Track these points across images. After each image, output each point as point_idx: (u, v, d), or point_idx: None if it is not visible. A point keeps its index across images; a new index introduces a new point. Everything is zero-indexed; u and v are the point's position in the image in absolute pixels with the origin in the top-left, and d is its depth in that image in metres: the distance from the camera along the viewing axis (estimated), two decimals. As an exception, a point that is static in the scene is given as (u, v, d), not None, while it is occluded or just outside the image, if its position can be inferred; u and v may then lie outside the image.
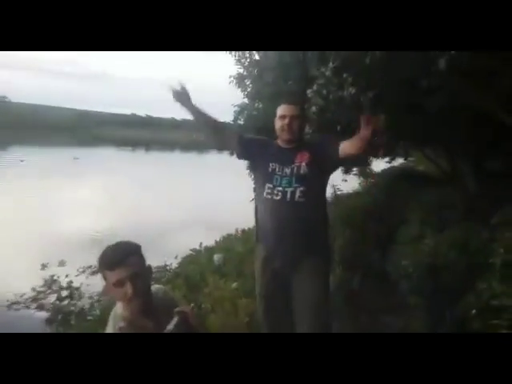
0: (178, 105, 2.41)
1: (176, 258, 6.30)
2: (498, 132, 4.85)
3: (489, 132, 5.03)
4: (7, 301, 4.92)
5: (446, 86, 3.66)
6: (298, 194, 2.33)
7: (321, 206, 2.51)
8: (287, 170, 2.38)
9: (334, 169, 2.55)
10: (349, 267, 3.48)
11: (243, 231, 7.15)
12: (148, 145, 52.18)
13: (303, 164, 2.36)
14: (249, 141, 2.55)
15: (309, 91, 4.28)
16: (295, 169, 2.37)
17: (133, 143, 50.70)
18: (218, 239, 6.90)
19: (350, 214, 5.03)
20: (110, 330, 1.61)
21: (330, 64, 3.92)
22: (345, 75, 3.87)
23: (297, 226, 2.34)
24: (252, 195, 6.48)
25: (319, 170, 2.39)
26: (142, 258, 1.64)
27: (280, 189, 2.36)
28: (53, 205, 11.85)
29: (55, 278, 5.23)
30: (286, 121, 2.38)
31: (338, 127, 4.39)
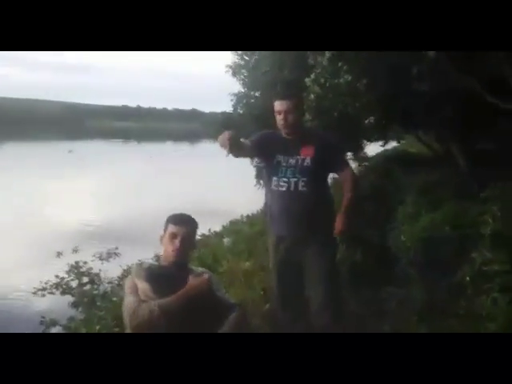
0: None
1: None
2: (485, 113, 5.11)
3: (477, 113, 5.30)
4: (33, 288, 5.19)
5: (434, 71, 3.91)
6: (300, 183, 2.53)
7: (322, 192, 2.71)
8: (292, 161, 2.55)
9: None
10: (351, 245, 3.76)
11: (247, 216, 7.41)
12: (140, 136, 51.91)
13: (308, 158, 2.54)
14: (257, 141, 2.63)
15: (307, 80, 4.49)
16: (300, 161, 2.54)
17: (125, 134, 50.44)
18: (224, 224, 7.14)
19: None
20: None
21: (326, 54, 4.13)
22: (340, 63, 4.10)
23: (301, 212, 2.55)
24: (249, 181, 6.68)
25: (322, 165, 2.58)
26: (195, 235, 2.16)
27: (285, 179, 2.55)
28: (53, 198, 11.97)
29: (80, 264, 5.50)
30: (282, 116, 2.52)
31: (335, 113, 4.63)
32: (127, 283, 2.01)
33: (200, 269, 2.23)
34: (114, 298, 3.87)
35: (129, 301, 1.89)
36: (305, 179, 2.52)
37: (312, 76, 4.46)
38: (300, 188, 2.53)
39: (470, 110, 5.23)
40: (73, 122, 74.55)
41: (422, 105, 5.22)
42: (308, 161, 2.53)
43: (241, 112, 6.94)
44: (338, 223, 2.63)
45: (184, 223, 2.07)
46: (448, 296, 2.96)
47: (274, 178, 2.58)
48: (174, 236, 2.03)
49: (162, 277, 1.95)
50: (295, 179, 2.53)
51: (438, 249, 3.31)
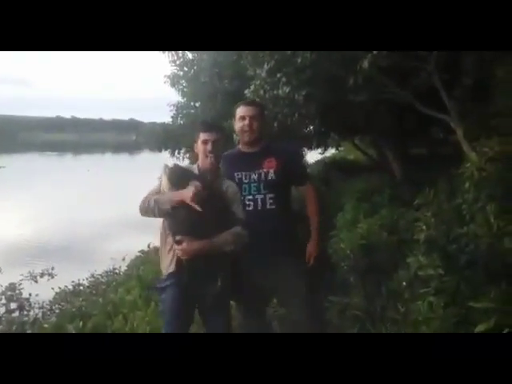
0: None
1: (124, 260, 6.26)
2: (417, 121, 5.37)
3: (410, 122, 5.54)
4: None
5: (369, 82, 4.03)
6: (268, 201, 2.35)
7: (289, 208, 2.55)
8: (254, 176, 2.38)
9: None
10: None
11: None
12: (76, 148, 50.10)
13: (271, 171, 2.37)
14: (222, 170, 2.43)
15: (246, 91, 4.49)
16: (263, 175, 2.37)
17: (60, 147, 48.48)
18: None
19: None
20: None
21: (265, 66, 4.14)
22: (279, 75, 4.13)
23: (270, 235, 2.36)
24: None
25: (286, 178, 2.43)
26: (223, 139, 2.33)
27: (250, 197, 2.36)
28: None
29: (10, 287, 5.09)
30: (246, 121, 2.37)
31: (275, 124, 4.66)
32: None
33: (228, 181, 2.30)
34: (46, 325, 3.58)
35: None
36: (272, 195, 2.36)
37: (252, 87, 4.46)
38: (268, 206, 2.35)
39: (403, 119, 5.47)
40: (5, 135, 70.53)
41: (358, 113, 5.39)
42: (272, 174, 2.37)
43: (181, 123, 6.83)
44: (312, 249, 2.57)
45: (217, 129, 2.28)
46: (386, 302, 3.02)
47: None
48: (205, 142, 2.24)
49: (183, 178, 2.13)
50: (261, 196, 2.35)
51: (376, 255, 3.38)
